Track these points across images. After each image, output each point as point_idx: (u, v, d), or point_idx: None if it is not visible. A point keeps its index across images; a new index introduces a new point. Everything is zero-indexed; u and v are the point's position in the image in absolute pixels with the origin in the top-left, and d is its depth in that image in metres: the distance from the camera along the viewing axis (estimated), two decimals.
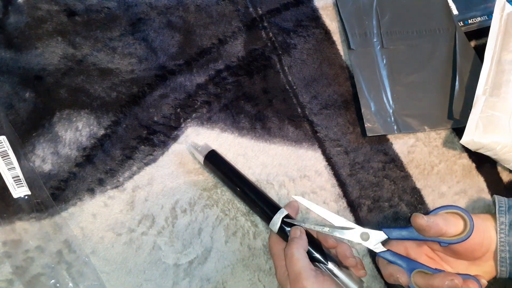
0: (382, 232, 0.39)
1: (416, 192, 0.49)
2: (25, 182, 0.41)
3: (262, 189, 0.44)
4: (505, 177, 0.53)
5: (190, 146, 0.45)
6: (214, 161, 0.44)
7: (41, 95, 0.45)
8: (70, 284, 0.39)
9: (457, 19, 0.58)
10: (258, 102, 0.50)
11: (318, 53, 0.53)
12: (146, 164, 0.45)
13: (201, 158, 0.44)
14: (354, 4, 0.56)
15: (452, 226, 0.37)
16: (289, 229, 0.40)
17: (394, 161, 0.50)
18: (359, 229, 0.39)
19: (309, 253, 0.38)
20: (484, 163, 0.52)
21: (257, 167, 0.47)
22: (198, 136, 0.47)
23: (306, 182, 0.47)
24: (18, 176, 0.41)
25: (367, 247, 0.39)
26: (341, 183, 0.48)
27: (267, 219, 0.41)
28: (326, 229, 0.39)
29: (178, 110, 0.47)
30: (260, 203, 0.42)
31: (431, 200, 0.49)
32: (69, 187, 0.43)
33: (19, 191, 0.41)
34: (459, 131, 0.53)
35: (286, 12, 0.54)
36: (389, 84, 0.53)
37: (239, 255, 0.43)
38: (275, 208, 0.41)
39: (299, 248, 0.37)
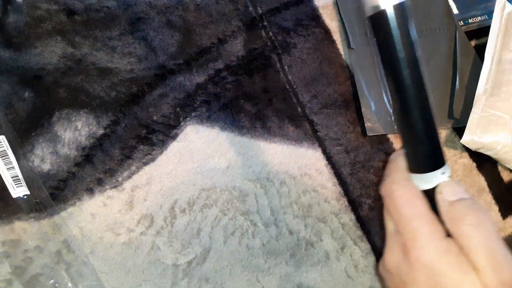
0: None
1: None
2: (24, 182, 0.41)
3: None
4: (506, 176, 0.53)
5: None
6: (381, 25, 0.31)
7: (40, 94, 0.45)
8: (69, 284, 0.39)
9: (457, 18, 0.58)
10: (258, 101, 0.49)
11: (318, 52, 0.53)
12: (145, 164, 0.45)
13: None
14: (355, 3, 0.56)
15: None
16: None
17: None
18: None
19: None
20: (485, 163, 0.52)
21: (257, 165, 0.47)
22: (197, 134, 0.47)
23: (307, 180, 0.47)
24: (17, 176, 0.41)
25: None
26: (342, 182, 0.48)
27: (420, 166, 0.30)
28: None
29: (178, 109, 0.47)
30: (425, 138, 0.29)
31: None
32: (68, 187, 0.42)
33: (18, 191, 0.41)
34: (459, 130, 0.53)
35: (286, 11, 0.54)
36: None
37: (237, 255, 0.43)
38: (440, 159, 0.30)
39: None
